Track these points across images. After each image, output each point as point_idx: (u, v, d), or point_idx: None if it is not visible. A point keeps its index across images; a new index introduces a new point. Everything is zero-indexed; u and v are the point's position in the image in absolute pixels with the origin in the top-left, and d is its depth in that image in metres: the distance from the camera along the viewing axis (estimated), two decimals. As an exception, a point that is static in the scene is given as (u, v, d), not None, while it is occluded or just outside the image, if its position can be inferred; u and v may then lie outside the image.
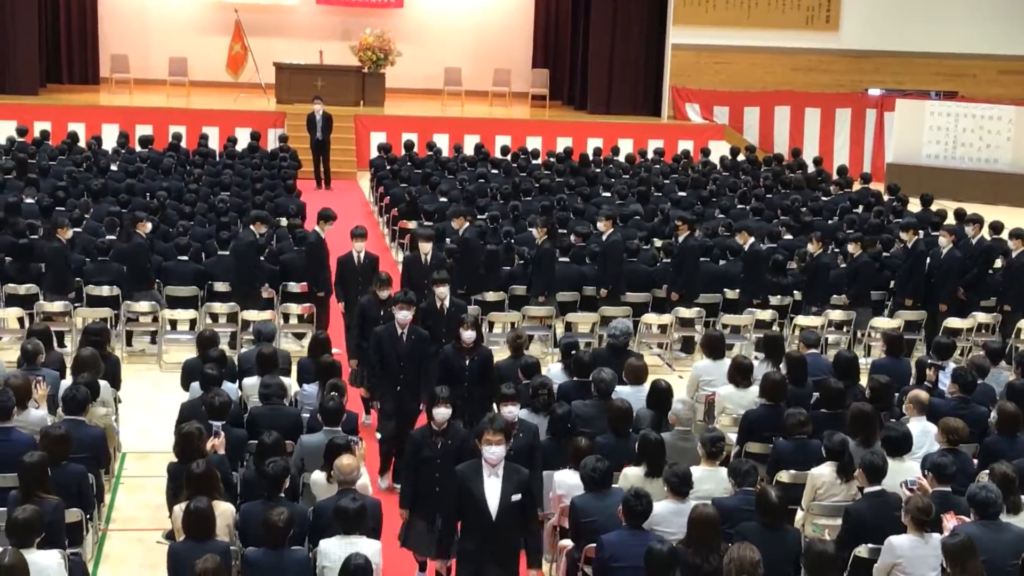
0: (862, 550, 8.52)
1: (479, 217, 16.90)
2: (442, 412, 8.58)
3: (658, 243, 16.89)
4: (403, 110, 27.50)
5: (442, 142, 24.60)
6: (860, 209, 19.36)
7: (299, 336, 14.87)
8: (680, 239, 15.64)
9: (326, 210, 15.06)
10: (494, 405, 9.81)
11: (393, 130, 25.74)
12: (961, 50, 28.83)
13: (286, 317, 14.78)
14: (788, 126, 27.82)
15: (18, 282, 14.44)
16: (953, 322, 14.81)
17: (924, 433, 9.91)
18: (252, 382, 10.57)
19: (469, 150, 23.47)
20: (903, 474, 9.11)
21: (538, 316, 14.97)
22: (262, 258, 15.12)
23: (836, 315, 15.14)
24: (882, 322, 14.74)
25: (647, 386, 10.33)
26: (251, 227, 15.40)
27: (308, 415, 10.05)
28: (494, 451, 7.54)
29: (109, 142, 22.42)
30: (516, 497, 7.52)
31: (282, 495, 8.33)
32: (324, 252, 14.69)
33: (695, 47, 28.08)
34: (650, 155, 23.95)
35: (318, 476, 8.82)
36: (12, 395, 9.59)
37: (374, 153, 23.83)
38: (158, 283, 14.79)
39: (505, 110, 29.29)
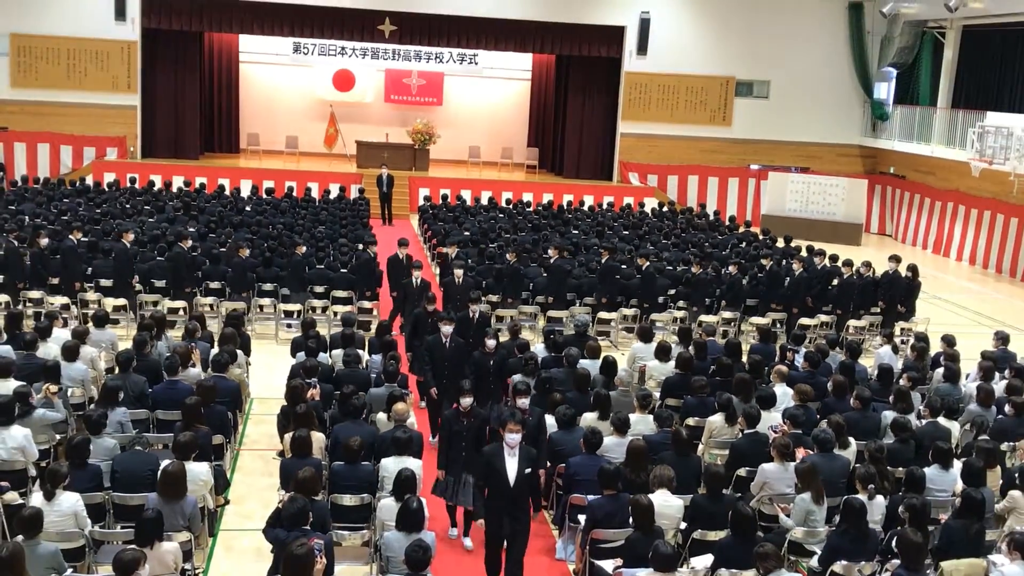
0: (742, 472, 8.55)
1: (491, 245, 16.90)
2: (467, 400, 8.22)
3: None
4: (441, 173, 27.41)
5: (466, 195, 24.61)
6: (743, 244, 19.35)
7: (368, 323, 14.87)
8: (603, 261, 15.58)
9: (402, 239, 15.18)
10: (509, 394, 9.37)
11: (434, 187, 25.69)
12: (811, 139, 28.80)
13: (360, 309, 14.75)
14: (697, 188, 27.77)
15: (210, 283, 14.59)
16: (804, 320, 14.80)
17: (784, 394, 9.93)
18: (338, 353, 10.57)
19: (484, 200, 23.43)
20: (770, 421, 9.14)
21: (527, 312, 14.95)
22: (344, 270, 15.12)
23: (726, 314, 15.14)
24: (756, 319, 14.73)
25: (600, 360, 10.32)
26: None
27: (375, 375, 10.04)
28: (513, 438, 7.25)
29: (245, 191, 22.52)
30: (527, 471, 7.28)
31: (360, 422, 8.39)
32: (398, 266, 14.53)
33: (636, 135, 28.06)
34: (605, 206, 23.93)
35: (381, 416, 8.83)
36: (178, 359, 9.67)
37: (421, 201, 23.79)
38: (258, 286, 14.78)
39: (509, 174, 29.19)
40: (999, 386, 10.69)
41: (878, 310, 15.53)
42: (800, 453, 8.33)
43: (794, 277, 15.47)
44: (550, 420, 8.84)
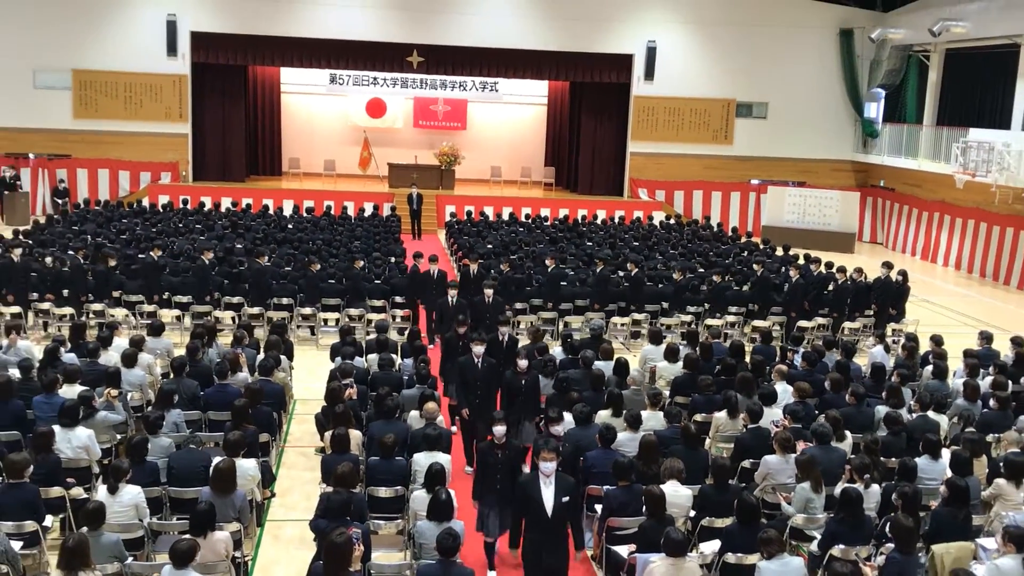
0: (746, 463, 8.50)
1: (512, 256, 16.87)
2: (499, 429, 7.59)
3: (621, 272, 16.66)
4: (465, 191, 27.45)
5: (489, 211, 24.66)
6: (744, 253, 19.26)
7: (401, 330, 14.84)
8: (598, 270, 15.46)
9: (433, 255, 15.20)
10: (542, 423, 8.95)
11: (459, 204, 25.63)
12: (807, 156, 28.70)
13: (393, 317, 14.77)
14: (701, 202, 27.68)
15: (231, 295, 14.55)
16: (802, 323, 14.71)
17: (784, 392, 9.86)
18: (373, 357, 10.60)
19: (505, 216, 23.46)
20: (772, 417, 9.09)
21: (547, 317, 14.92)
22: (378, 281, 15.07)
23: (731, 318, 15.07)
24: (758, 322, 14.65)
25: (614, 361, 10.27)
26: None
27: (407, 377, 10.02)
28: (548, 466, 6.70)
29: (287, 211, 22.62)
30: (565, 499, 6.71)
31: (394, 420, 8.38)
32: (425, 278, 14.55)
33: (644, 153, 28.03)
34: (616, 219, 23.90)
35: (413, 414, 8.81)
36: (228, 364, 9.72)
37: (447, 217, 23.79)
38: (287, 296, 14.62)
39: (527, 191, 29.17)
40: (984, 382, 10.59)
41: (871, 313, 15.39)
42: (800, 446, 8.29)
43: (792, 283, 15.38)
44: (568, 418, 8.80)
